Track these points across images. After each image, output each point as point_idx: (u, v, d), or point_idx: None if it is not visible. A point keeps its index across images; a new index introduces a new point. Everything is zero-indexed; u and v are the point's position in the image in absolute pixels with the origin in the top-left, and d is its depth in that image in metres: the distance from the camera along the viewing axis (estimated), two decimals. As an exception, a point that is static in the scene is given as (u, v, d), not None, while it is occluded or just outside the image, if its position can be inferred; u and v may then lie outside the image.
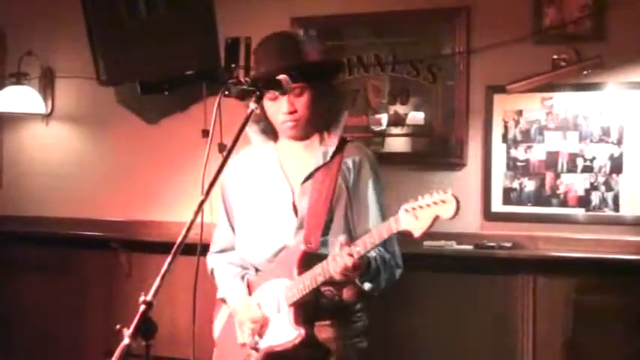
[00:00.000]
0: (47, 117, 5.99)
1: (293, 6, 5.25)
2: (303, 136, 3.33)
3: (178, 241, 2.33)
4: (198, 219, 2.50)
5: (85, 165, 5.91)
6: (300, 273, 3.17)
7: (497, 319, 4.79)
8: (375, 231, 2.99)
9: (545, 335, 4.72)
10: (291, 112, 3.23)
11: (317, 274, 3.11)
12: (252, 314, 3.28)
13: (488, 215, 4.85)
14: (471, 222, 4.84)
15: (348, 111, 3.50)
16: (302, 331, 3.16)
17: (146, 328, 2.17)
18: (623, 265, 4.52)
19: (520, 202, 4.80)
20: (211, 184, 2.53)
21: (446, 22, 4.95)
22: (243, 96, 2.96)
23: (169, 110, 5.59)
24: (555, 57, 4.64)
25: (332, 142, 3.32)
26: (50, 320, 5.84)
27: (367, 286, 3.18)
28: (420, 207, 2.84)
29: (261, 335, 3.28)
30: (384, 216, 3.30)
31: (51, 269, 5.86)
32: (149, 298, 2.21)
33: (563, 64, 4.61)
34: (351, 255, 2.96)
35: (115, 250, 5.64)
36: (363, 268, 3.04)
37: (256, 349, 3.28)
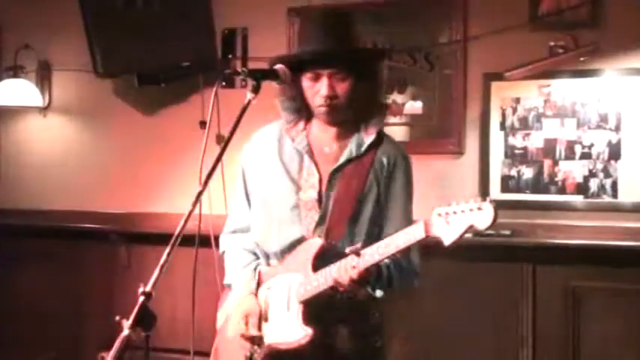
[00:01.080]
0: (44, 110, 5.99)
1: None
2: (339, 122, 3.17)
3: (177, 232, 2.33)
4: (197, 210, 2.50)
5: (83, 157, 5.91)
6: (315, 269, 3.02)
7: (495, 307, 4.79)
8: (402, 235, 2.83)
9: (544, 322, 4.73)
10: (330, 97, 3.07)
11: (332, 271, 2.95)
12: (246, 330, 3.12)
13: (487, 203, 4.84)
14: (470, 210, 4.83)
15: (389, 105, 3.35)
16: (309, 331, 3.00)
17: (145, 319, 2.17)
18: (621, 251, 4.52)
19: (518, 189, 4.79)
20: (209, 175, 2.53)
21: (443, 10, 4.94)
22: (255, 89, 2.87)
23: (167, 102, 5.58)
24: (552, 44, 4.63)
25: (368, 135, 3.17)
26: (50, 312, 5.84)
27: (378, 293, 3.05)
28: (454, 212, 2.68)
29: (266, 330, 3.13)
30: (410, 221, 3.14)
31: (50, 262, 5.85)
32: (148, 289, 2.21)
33: (560, 50, 4.61)
34: (354, 267, 2.84)
35: (114, 242, 5.65)
36: (370, 277, 2.92)
37: (259, 345, 3.14)
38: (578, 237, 4.60)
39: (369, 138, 3.17)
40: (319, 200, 3.14)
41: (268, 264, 3.27)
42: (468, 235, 4.54)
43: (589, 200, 4.66)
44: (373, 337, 3.23)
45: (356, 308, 3.12)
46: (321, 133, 3.21)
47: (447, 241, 2.69)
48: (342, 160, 3.15)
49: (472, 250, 4.70)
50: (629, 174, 4.58)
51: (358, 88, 3.10)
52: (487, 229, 2.64)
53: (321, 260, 3.03)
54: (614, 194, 4.61)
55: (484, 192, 4.84)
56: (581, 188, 4.67)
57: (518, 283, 4.75)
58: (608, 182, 4.62)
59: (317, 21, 3.21)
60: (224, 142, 2.65)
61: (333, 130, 3.20)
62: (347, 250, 2.90)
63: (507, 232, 4.69)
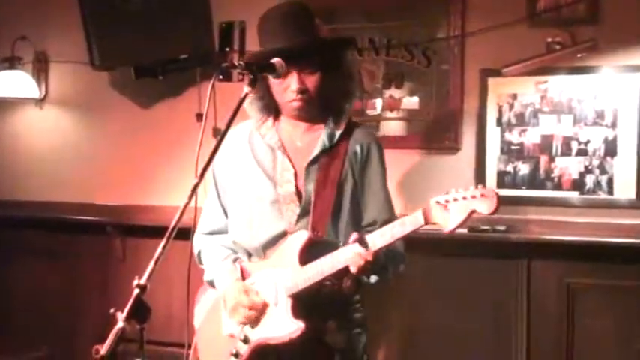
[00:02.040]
0: (41, 101, 5.98)
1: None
2: (308, 116, 3.19)
3: (172, 225, 2.34)
4: (192, 203, 2.50)
5: (79, 149, 5.90)
6: (302, 262, 3.03)
7: (490, 303, 4.80)
8: (399, 223, 2.87)
9: (538, 318, 4.73)
10: (301, 91, 3.08)
11: (324, 264, 2.97)
12: (249, 299, 3.10)
13: (483, 199, 4.84)
14: (466, 206, 4.83)
15: (358, 92, 3.36)
16: (301, 324, 3.00)
17: (140, 312, 2.18)
18: (617, 248, 4.53)
19: (514, 185, 4.79)
20: (205, 168, 2.54)
21: (440, 5, 4.93)
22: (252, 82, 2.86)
23: (163, 95, 5.57)
24: (550, 40, 4.62)
25: (339, 126, 3.19)
26: (45, 304, 5.84)
27: (373, 278, 3.08)
28: (455, 200, 2.71)
29: (253, 326, 3.13)
30: (390, 206, 3.25)
31: (45, 254, 5.85)
32: (143, 281, 2.21)
33: (557, 47, 4.60)
34: (368, 249, 2.87)
35: (110, 235, 5.64)
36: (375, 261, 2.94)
37: (245, 341, 3.14)
38: (573, 233, 4.60)
39: (340, 128, 3.19)
40: (297, 194, 3.16)
41: (249, 260, 3.27)
42: (463, 231, 4.57)
43: (585, 197, 4.66)
44: (358, 330, 3.26)
45: (341, 301, 3.15)
46: (291, 127, 3.23)
47: (448, 227, 2.73)
48: (315, 151, 3.17)
49: (467, 245, 4.71)
50: (624, 171, 4.58)
51: (326, 78, 3.12)
52: (491, 214, 2.65)
53: (308, 253, 3.04)
54: (610, 191, 4.61)
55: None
56: (577, 185, 4.67)
57: (513, 279, 4.75)
58: (603, 179, 4.62)
59: (278, 16, 3.17)
60: (220, 135, 2.65)
61: (302, 124, 3.22)
62: (351, 240, 2.93)
63: (503, 228, 4.69)
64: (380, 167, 3.25)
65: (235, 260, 3.28)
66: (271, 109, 3.23)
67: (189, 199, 2.45)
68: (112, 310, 2.19)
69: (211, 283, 3.35)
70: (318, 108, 3.18)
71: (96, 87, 5.76)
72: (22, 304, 5.94)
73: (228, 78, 4.81)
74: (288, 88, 3.09)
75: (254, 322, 3.13)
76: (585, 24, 4.62)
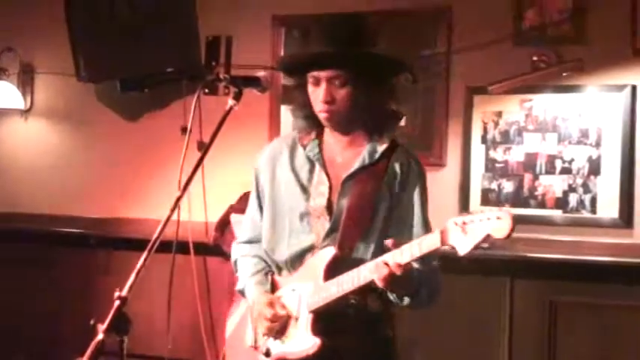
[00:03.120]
0: (26, 113, 5.96)
1: (275, 4, 5.24)
2: (345, 130, 3.10)
3: (154, 237, 2.33)
4: (175, 216, 2.49)
5: (64, 161, 5.89)
6: (326, 279, 2.96)
7: (473, 320, 4.80)
8: (417, 243, 2.77)
9: (521, 336, 4.74)
10: (327, 102, 2.99)
11: (345, 281, 2.90)
12: (272, 312, 3.04)
13: (467, 216, 4.84)
14: (449, 223, 4.84)
15: (405, 115, 3.26)
16: (318, 341, 2.94)
17: (120, 324, 2.17)
18: (600, 267, 4.54)
19: (498, 203, 4.80)
20: (188, 181, 2.53)
21: (427, 22, 4.96)
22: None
23: (149, 108, 5.57)
24: (535, 58, 4.65)
25: (381, 144, 3.09)
26: (27, 316, 5.81)
27: (406, 300, 2.98)
28: (472, 221, 2.62)
29: (276, 339, 3.07)
30: (428, 227, 3.09)
31: (28, 265, 5.82)
32: (124, 293, 2.21)
33: (543, 65, 4.62)
34: (399, 265, 2.75)
35: (93, 247, 5.63)
36: (404, 281, 2.83)
37: (267, 354, 3.09)
38: (556, 251, 4.62)
39: (382, 146, 3.09)
40: (328, 208, 3.09)
41: (279, 274, 3.21)
42: (446, 247, 4.54)
43: (568, 215, 4.68)
44: (384, 350, 3.18)
45: (367, 322, 3.06)
46: (334, 141, 3.15)
47: (462, 250, 2.64)
48: (354, 167, 3.08)
49: (450, 262, 4.66)
50: (608, 190, 4.60)
51: (362, 95, 3.02)
52: (505, 238, 2.56)
53: (333, 270, 2.97)
54: (593, 210, 4.63)
55: (464, 205, 4.85)
56: (561, 203, 4.69)
57: (496, 296, 4.75)
58: (587, 197, 4.64)
59: (321, 23, 3.13)
60: (204, 149, 2.65)
61: (345, 139, 3.13)
62: (387, 242, 2.82)
63: (486, 246, 4.66)
64: (419, 189, 3.13)
65: (267, 273, 3.23)
66: (313, 118, 3.13)
67: (172, 212, 2.44)
68: (92, 322, 2.18)
69: (242, 293, 3.30)
70: (354, 123, 3.10)
71: (81, 99, 5.74)
72: (4, 315, 5.90)
73: (213, 92, 4.83)
74: (317, 99, 3.02)
75: (277, 335, 3.08)
76: (570, 43, 4.65)
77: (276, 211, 3.20)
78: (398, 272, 2.76)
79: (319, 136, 3.18)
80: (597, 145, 4.62)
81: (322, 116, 3.05)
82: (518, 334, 4.74)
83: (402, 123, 4.79)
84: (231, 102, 2.79)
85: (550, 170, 4.71)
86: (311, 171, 3.15)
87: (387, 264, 2.78)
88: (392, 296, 2.97)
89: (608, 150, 4.60)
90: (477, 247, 2.61)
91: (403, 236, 3.02)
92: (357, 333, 3.05)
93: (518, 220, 4.62)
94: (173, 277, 3.07)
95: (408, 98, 4.82)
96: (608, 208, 4.61)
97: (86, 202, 5.76)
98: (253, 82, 2.92)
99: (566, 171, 4.68)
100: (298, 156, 3.19)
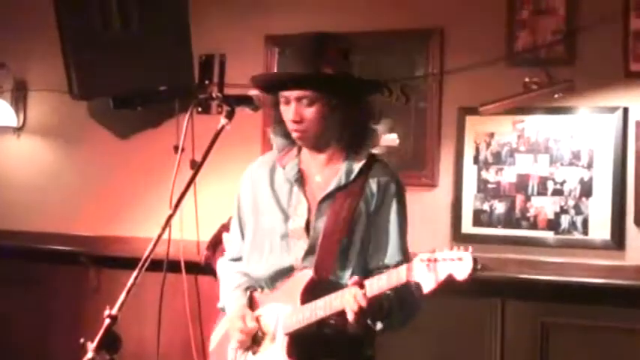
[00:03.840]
0: (19, 130, 5.96)
1: (268, 24, 5.26)
2: (319, 149, 3.10)
3: (145, 255, 2.33)
4: (166, 235, 2.49)
5: (56, 179, 5.88)
6: (303, 302, 2.96)
7: (464, 341, 4.79)
8: (385, 277, 2.77)
9: (513, 358, 4.73)
10: (296, 122, 3.00)
11: (318, 307, 2.90)
12: (245, 325, 3.06)
13: (458, 236, 4.84)
14: (441, 243, 4.77)
15: (382, 133, 3.25)
16: None
17: (110, 342, 2.17)
18: (591, 288, 4.54)
19: (490, 224, 4.80)
20: (179, 200, 2.53)
21: (419, 43, 4.97)
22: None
23: (141, 126, 5.57)
24: (527, 80, 4.65)
25: (358, 162, 3.08)
26: (16, 334, 5.80)
27: (379, 326, 2.97)
28: (436, 260, 2.62)
29: (253, 352, 3.08)
30: (404, 250, 3.11)
31: (19, 283, 5.81)
32: (114, 312, 2.20)
33: (534, 87, 4.63)
34: (365, 295, 2.75)
35: (84, 265, 5.62)
36: (374, 309, 2.83)
37: None
38: (548, 273, 4.62)
39: (358, 164, 3.09)
40: (307, 229, 3.08)
41: (261, 292, 3.21)
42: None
43: (560, 237, 4.68)
44: None
45: (346, 343, 3.04)
46: (311, 160, 3.15)
47: (426, 288, 2.65)
48: (330, 188, 3.08)
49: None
50: (599, 211, 4.60)
51: (332, 113, 3.02)
52: (465, 280, 2.59)
53: (311, 293, 2.97)
54: (585, 231, 4.63)
55: (456, 225, 4.85)
56: (553, 224, 4.69)
57: (487, 318, 4.75)
58: (579, 219, 4.64)
59: (294, 44, 3.16)
60: (196, 167, 2.65)
61: (322, 157, 3.14)
62: (349, 282, 2.83)
63: (478, 266, 4.69)
64: (396, 207, 3.12)
65: (247, 289, 3.23)
66: (293, 139, 3.14)
67: (163, 230, 2.44)
68: (82, 340, 2.17)
69: (224, 310, 3.31)
70: (327, 141, 3.10)
71: (74, 117, 5.74)
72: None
73: (206, 110, 4.83)
74: (287, 118, 3.04)
75: (248, 349, 3.09)
76: (562, 65, 4.66)
77: (256, 233, 3.21)
78: (364, 304, 2.76)
79: (298, 154, 3.18)
80: (589, 166, 4.63)
81: (294, 135, 3.07)
82: (510, 355, 4.73)
83: (395, 143, 4.88)
84: (223, 121, 2.79)
85: (542, 191, 4.72)
86: (290, 192, 3.15)
87: (354, 296, 2.78)
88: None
89: (599, 172, 4.61)
90: (439, 286, 2.62)
91: (379, 258, 3.07)
92: (336, 355, 3.04)
93: (510, 242, 4.69)
94: (164, 296, 3.05)
95: (392, 116, 4.88)
96: (600, 229, 4.61)
97: (78, 220, 5.75)
98: (246, 100, 2.93)
99: (557, 192, 4.68)
100: (277, 177, 3.20)
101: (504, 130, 4.80)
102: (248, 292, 3.21)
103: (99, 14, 5.09)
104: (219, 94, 2.84)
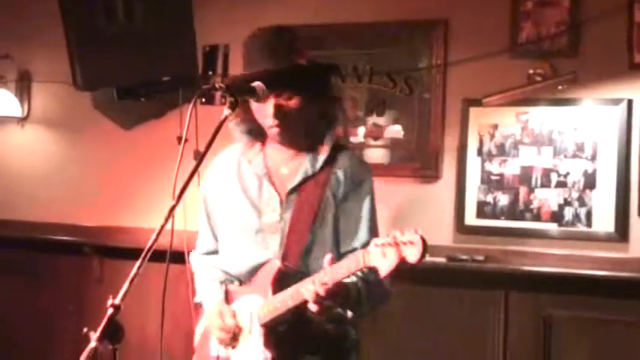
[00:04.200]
0: (23, 120, 5.97)
1: (271, 15, 5.23)
2: (291, 142, 3.13)
3: (147, 246, 2.32)
4: (169, 225, 2.49)
5: (60, 169, 5.89)
6: (274, 292, 2.99)
7: (468, 333, 4.79)
8: (345, 263, 2.80)
9: (516, 350, 4.73)
10: (278, 117, 3.02)
11: (287, 296, 2.92)
12: (221, 322, 3.09)
13: (462, 228, 4.85)
14: (444, 235, 4.85)
15: (343, 117, 3.28)
16: (269, 355, 2.97)
17: (113, 332, 2.16)
18: (595, 280, 4.53)
19: (494, 215, 4.80)
20: (182, 190, 2.53)
21: (423, 34, 4.96)
22: (232, 104, 2.84)
23: (145, 116, 5.57)
24: (531, 71, 4.66)
25: (323, 151, 3.11)
26: (19, 325, 5.80)
27: (349, 313, 3.02)
28: (389, 244, 2.64)
29: (230, 349, 3.10)
30: (374, 234, 3.10)
31: (22, 273, 5.82)
32: (117, 301, 2.20)
33: (538, 78, 4.63)
34: (324, 283, 2.77)
35: (87, 256, 5.62)
36: (339, 296, 2.85)
37: None
38: (551, 265, 4.62)
39: (323, 154, 3.12)
40: (281, 222, 3.10)
41: (238, 284, 3.23)
42: (441, 259, 4.55)
43: (563, 228, 4.68)
44: (348, 357, 3.17)
45: (325, 333, 3.07)
46: (277, 153, 3.17)
47: (383, 272, 2.66)
48: (297, 179, 3.11)
49: (445, 274, 4.71)
50: (603, 204, 4.60)
51: (307, 105, 3.05)
52: (417, 263, 2.58)
53: (281, 283, 2.99)
54: (589, 223, 4.63)
55: (459, 217, 4.85)
56: (556, 216, 4.69)
57: (490, 310, 4.75)
58: (582, 211, 4.63)
59: (258, 40, 3.13)
60: (199, 158, 2.65)
61: (288, 150, 3.16)
62: (325, 263, 2.84)
63: (481, 258, 4.70)
64: (364, 192, 3.16)
65: (222, 282, 3.25)
66: (257, 133, 3.16)
67: (166, 220, 2.44)
68: (85, 330, 2.17)
69: (201, 304, 3.33)
70: (301, 134, 3.12)
71: (78, 107, 5.74)
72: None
73: (210, 101, 4.83)
74: (266, 114, 3.04)
75: (228, 344, 3.10)
76: (566, 56, 4.66)
77: (230, 229, 3.23)
78: (322, 293, 2.77)
79: (263, 148, 3.20)
80: (593, 158, 4.62)
81: (273, 131, 3.07)
82: (513, 347, 4.73)
83: (399, 135, 4.88)
84: (226, 111, 2.79)
85: (545, 183, 4.71)
86: (260, 187, 3.16)
87: (313, 283, 2.80)
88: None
89: (603, 164, 4.60)
90: (394, 270, 2.63)
91: (350, 243, 3.09)
92: (315, 344, 3.06)
93: (513, 234, 4.69)
94: (167, 286, 3.06)
95: (396, 107, 4.88)
96: (604, 221, 4.60)
97: (81, 210, 5.76)
98: (249, 91, 2.92)
99: (561, 184, 4.68)
100: (245, 172, 3.20)
101: (508, 121, 4.79)
102: (223, 286, 3.23)
103: (103, 4, 5.09)
104: (222, 85, 2.82)
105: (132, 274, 2.25)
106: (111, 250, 5.50)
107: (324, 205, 3.08)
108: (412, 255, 2.59)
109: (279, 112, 3.02)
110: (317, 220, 3.07)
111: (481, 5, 4.85)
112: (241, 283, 3.21)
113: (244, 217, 3.16)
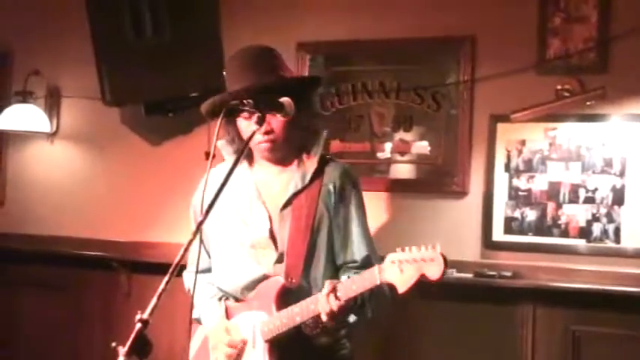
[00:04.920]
0: (52, 136, 6.00)
1: (299, 31, 5.27)
2: (281, 157, 3.19)
3: (175, 261, 2.34)
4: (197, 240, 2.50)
5: (88, 184, 5.92)
6: (278, 308, 3.05)
7: (495, 349, 4.77)
8: (359, 279, 2.85)
9: (543, 366, 4.71)
10: (268, 132, 3.08)
11: (295, 313, 2.98)
12: (229, 338, 3.13)
13: (489, 244, 4.83)
14: (472, 250, 4.84)
15: (327, 130, 3.31)
16: None
17: (141, 347, 2.18)
18: (623, 297, 4.51)
19: (521, 231, 4.78)
20: (210, 206, 2.54)
21: (451, 50, 4.96)
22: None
23: (173, 132, 5.59)
24: (559, 87, 4.64)
25: (311, 164, 3.17)
26: (49, 339, 5.82)
27: (352, 318, 3.07)
28: (407, 261, 2.69)
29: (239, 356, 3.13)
30: (368, 242, 3.19)
31: (51, 288, 5.85)
32: (145, 316, 2.21)
33: (566, 94, 4.61)
34: (338, 299, 2.85)
35: (116, 270, 5.64)
36: (348, 308, 2.93)
37: None
38: (579, 281, 4.59)
39: (312, 167, 3.16)
40: (272, 238, 3.15)
41: (234, 301, 3.27)
42: (468, 275, 4.53)
43: (592, 244, 4.65)
44: None
45: (323, 344, 3.13)
46: (266, 169, 3.23)
47: (401, 288, 2.71)
48: (288, 194, 3.15)
49: (472, 290, 4.70)
50: (632, 220, 4.57)
51: (294, 118, 3.05)
52: (437, 280, 2.63)
53: (284, 299, 3.05)
54: (617, 239, 4.60)
55: (487, 233, 4.83)
56: (584, 232, 4.66)
57: (518, 326, 4.73)
58: (611, 227, 4.61)
59: (242, 58, 3.20)
60: (227, 173, 2.66)
61: (276, 166, 3.21)
62: (324, 290, 2.90)
63: (509, 274, 4.68)
64: (354, 202, 3.21)
65: (221, 299, 3.30)
66: (245, 152, 3.16)
67: (194, 236, 2.46)
68: (113, 345, 2.19)
69: (199, 321, 3.37)
70: (289, 148, 3.17)
71: (106, 123, 5.78)
72: (27, 338, 5.92)
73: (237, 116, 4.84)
74: (256, 131, 3.00)
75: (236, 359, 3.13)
76: (594, 72, 4.64)
77: (221, 246, 3.27)
78: (335, 309, 2.86)
79: (250, 166, 3.25)
80: (621, 174, 4.60)
81: (263, 147, 3.13)
82: (541, 363, 4.71)
83: (426, 151, 4.87)
84: (254, 126, 2.81)
85: (573, 199, 4.69)
86: (249, 203, 3.21)
87: (328, 301, 2.87)
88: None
89: (632, 179, 4.58)
90: (413, 287, 2.69)
91: (346, 253, 3.15)
92: (313, 356, 3.12)
93: (541, 249, 4.68)
94: (194, 301, 3.09)
95: (423, 123, 4.88)
96: (632, 237, 4.58)
97: (109, 226, 5.78)
98: (276, 107, 2.93)
99: (589, 200, 4.66)
100: (235, 189, 3.23)
101: (536, 137, 4.78)
102: (222, 303, 3.28)
103: (131, 21, 5.12)
104: (250, 101, 2.85)
105: (160, 289, 2.27)
106: (139, 265, 5.52)
107: (318, 217, 3.14)
108: (433, 272, 2.64)
109: (268, 127, 3.08)
110: (313, 233, 3.12)
111: (508, 21, 4.84)
112: (237, 299, 3.24)
113: (235, 233, 3.22)
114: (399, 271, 2.69)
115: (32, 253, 5.83)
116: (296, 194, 3.15)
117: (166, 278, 2.29)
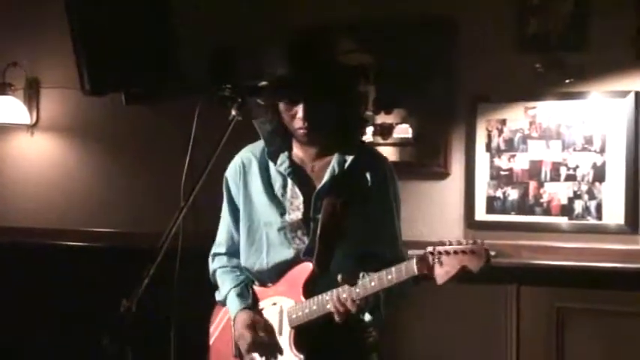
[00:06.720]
0: (32, 127, 5.98)
1: (285, 15, 5.23)
2: (319, 143, 3.14)
3: (160, 245, 2.35)
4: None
5: (70, 175, 5.90)
6: (306, 295, 3.02)
7: (480, 328, 4.80)
8: (394, 271, 2.82)
9: (528, 344, 4.73)
10: (308, 120, 3.02)
11: (326, 301, 2.95)
12: (253, 336, 3.09)
13: (472, 224, 4.85)
14: (455, 231, 4.85)
15: (370, 120, 3.27)
16: (301, 357, 3.01)
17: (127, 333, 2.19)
18: (606, 273, 4.53)
19: (504, 210, 4.80)
20: (191, 191, 2.54)
21: (430, 30, 4.95)
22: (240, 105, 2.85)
23: (154, 121, 5.58)
24: (538, 66, 4.65)
25: (350, 153, 3.11)
26: (29, 329, 5.82)
27: (367, 317, 3.04)
28: (447, 252, 2.70)
29: (262, 354, 3.11)
30: (399, 235, 3.17)
31: (31, 279, 5.82)
32: (129, 302, 2.23)
33: (546, 72, 4.63)
34: (353, 300, 2.85)
35: (98, 261, 5.63)
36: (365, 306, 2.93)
37: None
38: (562, 258, 4.62)
39: (350, 154, 3.11)
40: (305, 222, 3.10)
41: (260, 285, 3.24)
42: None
43: (573, 222, 4.67)
44: (370, 356, 3.20)
45: (348, 333, 3.07)
46: (302, 153, 3.18)
47: (440, 280, 2.72)
48: (325, 179, 3.10)
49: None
50: (613, 196, 4.59)
51: (334, 106, 3.05)
52: (479, 271, 2.67)
53: (312, 285, 3.02)
54: (599, 216, 4.62)
55: (469, 213, 4.85)
56: (566, 210, 4.68)
57: (502, 304, 4.75)
58: (592, 204, 4.63)
59: (288, 44, 3.12)
60: (208, 160, 2.66)
61: (313, 150, 3.16)
62: (339, 279, 2.89)
63: (492, 253, 4.66)
64: (390, 196, 3.16)
65: (247, 284, 3.26)
66: (281, 132, 3.16)
67: (175, 221, 2.46)
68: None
69: (222, 303, 3.33)
70: (328, 135, 3.12)
71: (87, 113, 5.77)
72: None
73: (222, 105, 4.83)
74: (295, 116, 3.04)
75: (262, 350, 3.11)
76: (573, 50, 4.65)
77: (252, 226, 3.23)
78: (353, 310, 2.88)
79: (288, 148, 3.20)
80: (602, 151, 4.62)
81: (301, 133, 3.07)
82: (526, 341, 4.73)
83: (408, 133, 4.88)
84: (234, 112, 2.80)
85: (555, 177, 4.71)
86: (284, 185, 3.17)
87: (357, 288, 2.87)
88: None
89: (612, 156, 4.60)
90: (454, 278, 2.71)
91: (376, 245, 3.11)
92: (339, 343, 3.06)
93: (523, 228, 4.69)
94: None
95: (404, 105, 4.88)
96: (614, 214, 4.60)
97: (91, 216, 5.77)
98: (255, 92, 2.92)
99: (570, 178, 4.68)
100: (269, 170, 3.20)
101: (516, 116, 4.79)
102: (250, 289, 3.24)
103: (108, 9, 5.10)
104: (229, 86, 2.83)
105: (145, 277, 2.28)
106: (124, 254, 5.51)
107: (353, 206, 3.08)
108: (475, 264, 2.69)
109: (309, 115, 3.03)
110: (347, 221, 3.07)
111: (488, 1, 4.85)
112: (263, 280, 3.21)
113: (267, 214, 3.17)
114: (438, 263, 2.71)
115: (13, 245, 5.81)
116: (333, 180, 3.10)
117: (152, 265, 2.30)
